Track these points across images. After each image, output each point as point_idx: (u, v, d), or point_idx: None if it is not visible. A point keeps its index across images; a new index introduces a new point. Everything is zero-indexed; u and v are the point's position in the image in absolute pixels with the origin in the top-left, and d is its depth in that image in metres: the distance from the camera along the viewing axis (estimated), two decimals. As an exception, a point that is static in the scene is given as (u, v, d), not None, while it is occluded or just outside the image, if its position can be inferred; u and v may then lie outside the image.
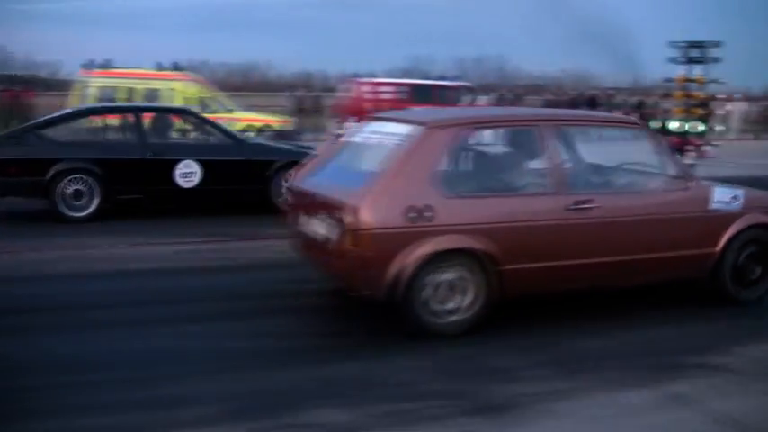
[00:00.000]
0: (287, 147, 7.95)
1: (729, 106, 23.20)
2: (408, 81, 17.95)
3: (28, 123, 7.79)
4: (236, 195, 7.46)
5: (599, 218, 3.99)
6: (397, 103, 15.13)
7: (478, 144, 3.99)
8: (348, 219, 3.15)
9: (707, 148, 11.58)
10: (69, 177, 7.03)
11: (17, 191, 7.07)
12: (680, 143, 8.15)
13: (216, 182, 7.26)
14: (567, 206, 3.94)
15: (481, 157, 4.00)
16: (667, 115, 9.12)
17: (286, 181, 6.60)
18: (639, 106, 21.37)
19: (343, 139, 4.26)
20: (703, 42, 7.64)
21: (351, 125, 8.03)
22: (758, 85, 38.62)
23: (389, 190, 3.17)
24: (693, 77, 7.84)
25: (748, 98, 27.24)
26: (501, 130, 4.03)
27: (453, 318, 3.67)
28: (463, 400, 3.22)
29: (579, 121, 4.43)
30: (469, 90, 18.12)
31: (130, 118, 7.36)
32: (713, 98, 12.05)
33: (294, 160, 6.94)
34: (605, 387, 3.42)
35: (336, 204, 3.33)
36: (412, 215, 3.27)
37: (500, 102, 20.82)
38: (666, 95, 11.11)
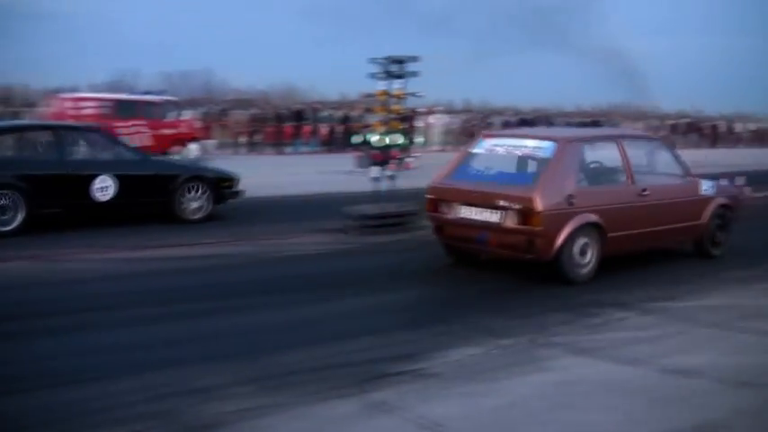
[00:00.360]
0: (188, 163, 9.75)
1: (431, 119, 24.71)
2: (112, 96, 17.69)
3: None
4: (145, 207, 8.31)
5: (653, 201, 6.09)
6: (101, 119, 14.72)
7: (590, 152, 5.86)
8: (526, 205, 4.80)
9: (408, 160, 12.34)
10: None
11: None
12: (381, 156, 8.45)
13: (128, 195, 8.01)
14: (637, 193, 6.01)
15: (593, 161, 5.90)
16: (369, 129, 9.45)
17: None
18: (345, 120, 22.52)
19: (469, 150, 5.84)
20: (402, 57, 8.07)
21: None
22: (459, 98, 41.92)
23: (551, 185, 4.98)
24: (392, 92, 8.18)
25: (449, 111, 29.15)
26: (597, 143, 5.96)
27: (584, 270, 5.53)
28: (169, 421, 3.21)
29: (634, 138, 6.78)
30: (175, 105, 18.16)
31: (50, 135, 7.86)
32: (414, 112, 12.80)
33: (196, 175, 8.45)
34: (307, 400, 3.45)
35: (513, 196, 5.01)
36: (566, 202, 5.11)
37: (206, 116, 21.49)
38: (368, 110, 11.89)
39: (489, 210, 5.32)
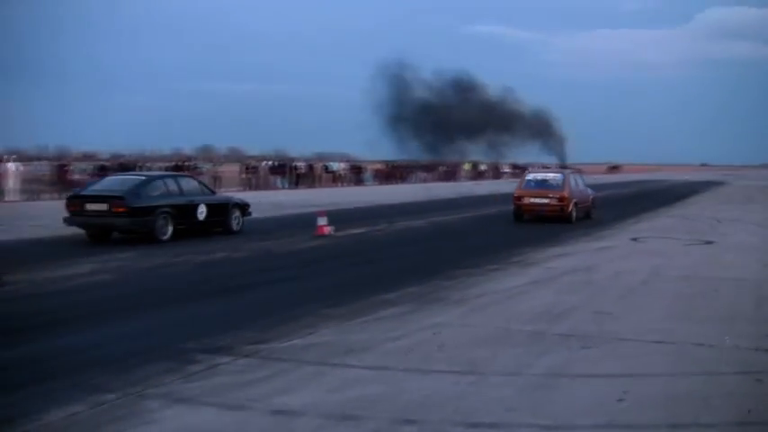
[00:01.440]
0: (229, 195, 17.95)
1: (6, 166, 24.06)
2: None
3: None
4: (216, 224, 15.51)
5: None
6: None
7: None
8: (563, 195, 17.88)
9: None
10: None
11: None
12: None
13: (210, 216, 15.18)
14: None
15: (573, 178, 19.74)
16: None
17: None
18: None
19: (530, 176, 18.97)
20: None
21: None
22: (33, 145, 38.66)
23: (570, 189, 18.16)
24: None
25: (23, 158, 28.43)
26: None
27: None
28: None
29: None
30: None
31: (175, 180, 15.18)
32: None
33: (236, 203, 16.16)
34: None
35: (554, 192, 18.32)
36: (576, 194, 18.63)
37: None
38: None
39: (542, 198, 18.15)
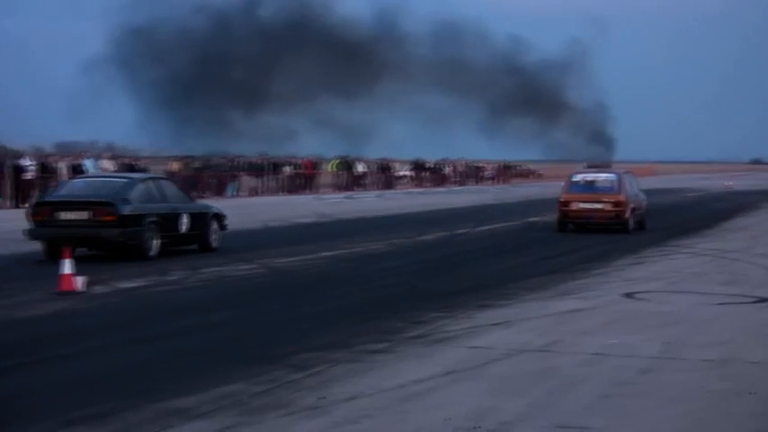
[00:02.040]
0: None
1: None
2: None
3: None
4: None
5: None
6: None
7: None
8: (619, 199, 29.10)
9: None
10: None
11: None
12: None
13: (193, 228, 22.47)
14: None
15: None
16: None
17: None
18: None
19: (577, 177, 30.52)
20: None
21: None
22: None
23: (625, 191, 29.41)
24: None
25: None
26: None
27: None
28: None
29: None
30: None
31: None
32: None
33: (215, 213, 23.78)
34: None
35: (609, 196, 29.29)
36: (632, 198, 30.16)
37: None
38: None
39: (592, 204, 29.33)
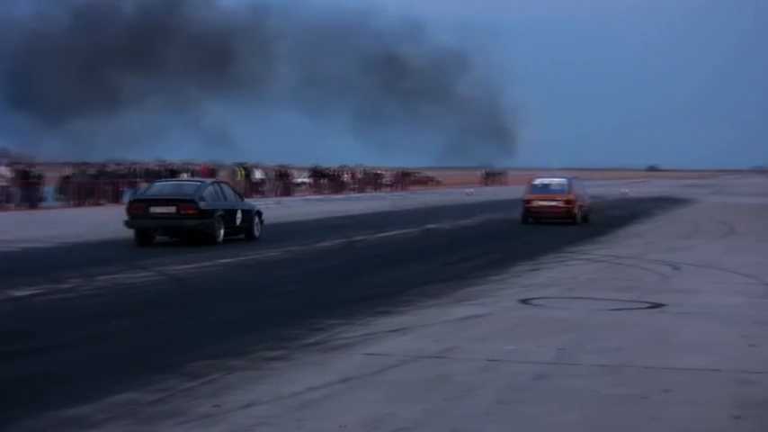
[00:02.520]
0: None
1: None
2: None
3: None
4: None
5: None
6: None
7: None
8: (569, 198, 38.66)
9: None
10: None
11: None
12: None
13: (243, 221, 29.89)
14: None
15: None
16: None
17: None
18: None
19: (537, 182, 40.44)
20: None
21: None
22: None
23: (574, 191, 39.32)
24: None
25: None
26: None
27: None
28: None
29: None
30: None
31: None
32: None
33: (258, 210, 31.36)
34: None
35: (561, 195, 38.94)
36: (579, 197, 39.99)
37: None
38: None
39: (550, 201, 38.14)
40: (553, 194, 37.72)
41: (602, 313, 14.97)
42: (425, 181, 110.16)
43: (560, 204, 37.25)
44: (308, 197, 69.56)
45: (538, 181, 39.33)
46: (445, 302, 15.97)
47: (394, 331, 12.99)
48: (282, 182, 73.49)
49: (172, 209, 26.94)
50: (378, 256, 25.05)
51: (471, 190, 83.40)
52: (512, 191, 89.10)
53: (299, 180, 78.37)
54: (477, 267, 21.70)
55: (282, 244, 27.32)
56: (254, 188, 68.48)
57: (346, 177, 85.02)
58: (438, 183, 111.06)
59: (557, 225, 36.83)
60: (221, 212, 27.77)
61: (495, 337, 12.73)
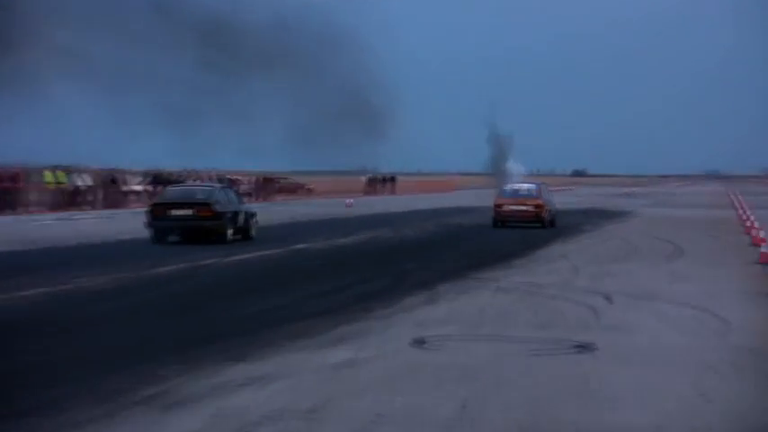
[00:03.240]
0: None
1: None
2: None
3: None
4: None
5: None
6: None
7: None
8: (538, 202, 53.17)
9: None
10: None
11: None
12: None
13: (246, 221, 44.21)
14: None
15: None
16: None
17: None
18: None
19: (507, 187, 58.59)
20: None
21: None
22: None
23: (542, 196, 54.30)
24: None
25: None
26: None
27: None
28: None
29: None
30: None
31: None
32: None
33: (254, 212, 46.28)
34: None
35: (531, 200, 53.55)
36: (546, 202, 55.24)
37: None
38: None
39: (520, 205, 52.47)
40: (523, 199, 50.49)
41: (515, 357, 15.01)
42: (294, 189, 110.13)
43: (530, 209, 49.63)
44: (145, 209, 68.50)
45: (508, 186, 53.88)
46: (317, 344, 15.94)
47: (250, 382, 12.92)
48: (111, 190, 73.01)
49: (189, 211, 38.41)
50: (228, 283, 25.26)
51: (351, 200, 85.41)
52: (403, 201, 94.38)
53: (133, 188, 76.60)
54: (357, 298, 21.80)
55: (106, 270, 26.85)
56: (75, 198, 68.27)
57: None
58: (310, 191, 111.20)
59: (458, 245, 38.07)
60: (230, 214, 39.48)
61: (381, 388, 12.70)
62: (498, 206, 49.65)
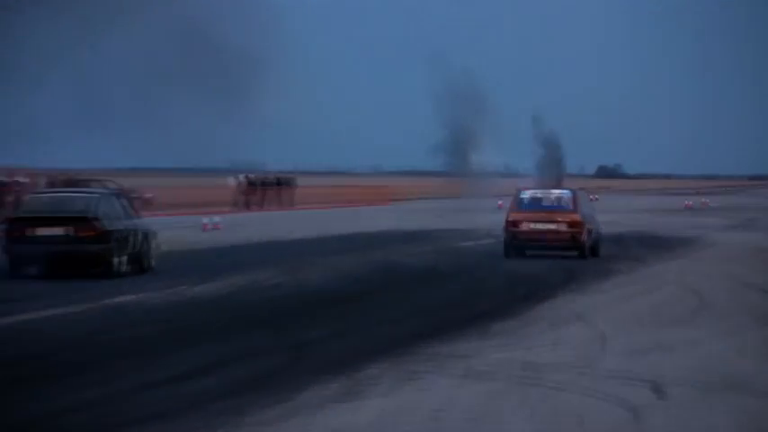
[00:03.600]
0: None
1: None
2: None
3: None
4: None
5: None
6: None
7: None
8: (574, 219, 62.68)
9: None
10: None
11: None
12: None
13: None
14: None
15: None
16: None
17: None
18: None
19: (526, 194, 66.14)
20: None
21: None
22: None
23: (579, 210, 64.38)
24: None
25: None
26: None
27: None
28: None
29: None
30: None
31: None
32: None
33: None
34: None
35: (563, 214, 62.54)
36: (587, 218, 66.01)
37: None
38: None
39: (545, 223, 63.16)
40: (551, 213, 51.34)
41: None
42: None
43: (562, 228, 51.00)
44: None
45: (528, 193, 52.57)
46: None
47: None
48: None
49: (61, 230, 41.09)
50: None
51: (217, 219, 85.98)
52: (305, 219, 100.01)
53: None
54: (221, 391, 20.81)
55: None
56: None
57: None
58: (148, 202, 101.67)
59: (404, 295, 38.15)
60: (120, 234, 43.15)
61: None
62: (513, 224, 49.87)
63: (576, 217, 47.63)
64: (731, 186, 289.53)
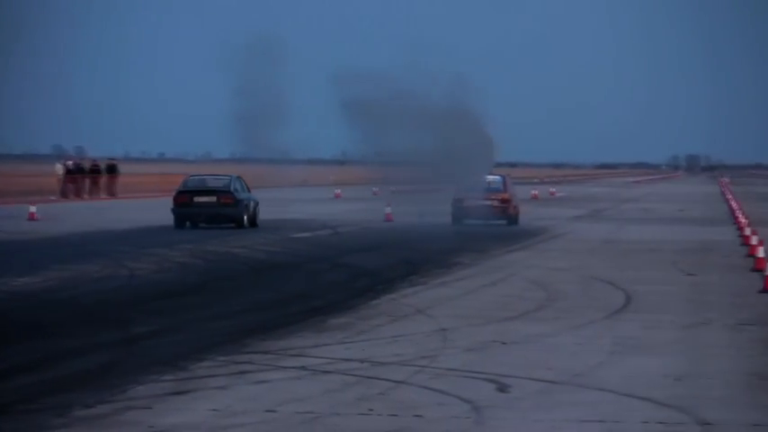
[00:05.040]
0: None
1: None
2: None
3: None
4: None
5: None
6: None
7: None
8: (505, 197, 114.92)
9: None
10: None
11: None
12: None
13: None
14: None
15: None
16: None
17: None
18: None
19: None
20: None
21: None
22: None
23: (509, 190, 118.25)
24: None
25: None
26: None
27: None
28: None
29: None
30: None
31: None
32: None
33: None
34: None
35: (497, 194, 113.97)
36: (514, 197, 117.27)
37: None
38: None
39: (486, 199, 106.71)
40: (488, 193, 70.55)
41: None
42: None
43: (496, 203, 71.41)
44: None
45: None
46: None
47: None
48: None
49: (213, 198, 72.22)
50: None
51: (33, 209, 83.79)
52: (131, 208, 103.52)
53: None
54: (37, 390, 20.67)
55: None
56: None
57: None
58: None
59: (230, 291, 38.78)
60: (246, 202, 73.83)
61: None
62: (459, 201, 76.61)
63: (506, 195, 59.58)
64: (579, 176, 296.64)
